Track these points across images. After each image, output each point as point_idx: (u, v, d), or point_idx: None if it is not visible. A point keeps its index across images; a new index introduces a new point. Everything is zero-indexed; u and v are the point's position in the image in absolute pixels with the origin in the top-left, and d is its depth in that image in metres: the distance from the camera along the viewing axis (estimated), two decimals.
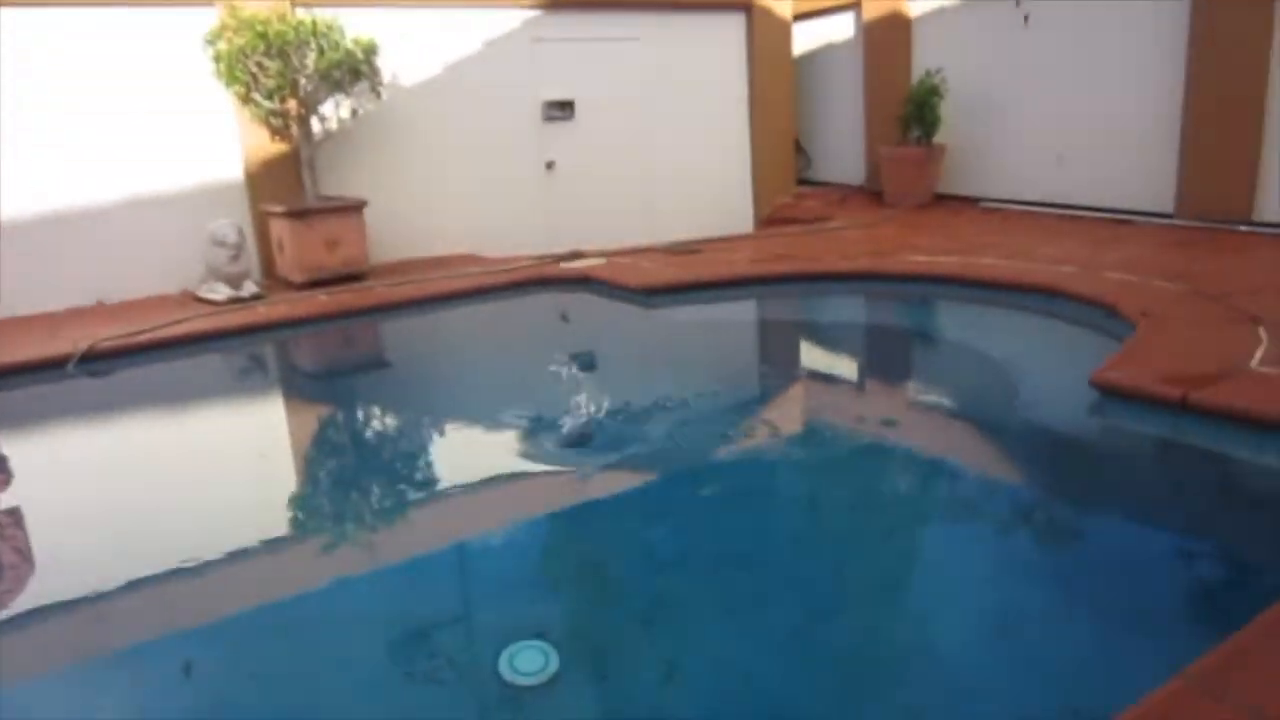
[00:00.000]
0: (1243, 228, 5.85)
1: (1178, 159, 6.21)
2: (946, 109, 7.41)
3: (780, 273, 5.39)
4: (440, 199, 6.63)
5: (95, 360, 4.35)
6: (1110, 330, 3.90)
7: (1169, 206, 6.31)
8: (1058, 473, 2.91)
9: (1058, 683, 1.87)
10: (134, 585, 2.39)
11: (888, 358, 4.42)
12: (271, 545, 2.64)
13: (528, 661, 1.99)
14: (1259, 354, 3.20)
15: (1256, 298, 4.02)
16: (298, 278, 5.62)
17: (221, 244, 5.33)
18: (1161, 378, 2.99)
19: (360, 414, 3.83)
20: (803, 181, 8.99)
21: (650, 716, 1.88)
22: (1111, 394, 3.05)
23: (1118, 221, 6.50)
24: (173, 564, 2.49)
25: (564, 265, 5.80)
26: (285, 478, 3.25)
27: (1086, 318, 4.16)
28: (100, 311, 5.35)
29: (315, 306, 5.13)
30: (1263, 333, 3.46)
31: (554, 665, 1.98)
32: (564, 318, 5.51)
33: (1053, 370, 3.84)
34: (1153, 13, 6.21)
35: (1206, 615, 2.10)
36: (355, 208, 5.81)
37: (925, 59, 7.66)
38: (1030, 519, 2.64)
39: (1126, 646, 1.98)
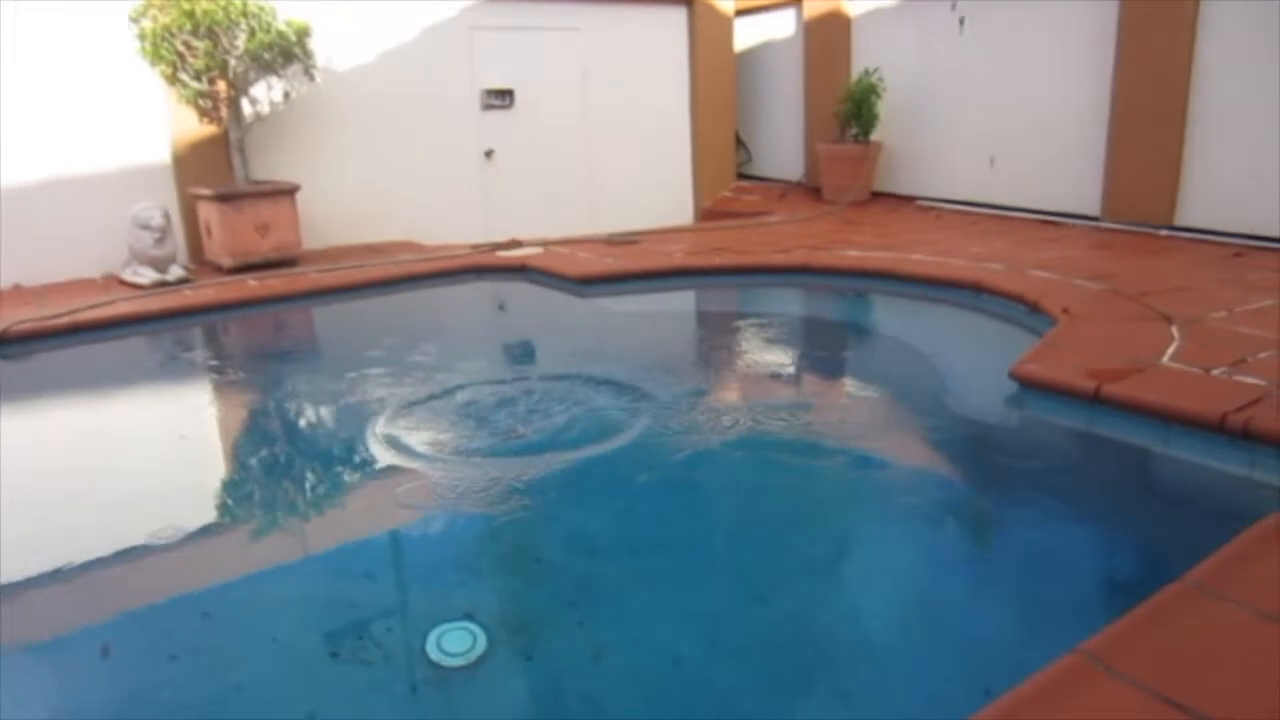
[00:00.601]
0: (1164, 232, 6.04)
1: (1104, 164, 6.37)
2: (884, 108, 7.52)
3: (716, 265, 5.42)
4: (376, 186, 6.54)
5: (11, 344, 4.21)
6: (1032, 326, 4.00)
7: (1095, 210, 6.48)
8: (974, 459, 2.98)
9: (967, 663, 1.91)
10: (48, 572, 2.32)
11: (817, 349, 4.47)
12: (192, 530, 2.58)
13: (455, 642, 1.98)
14: (1170, 350, 3.31)
15: (1172, 298, 4.15)
16: (227, 262, 5.49)
17: (146, 227, 5.19)
18: (1077, 371, 3.07)
19: (284, 400, 3.76)
20: (743, 176, 9.05)
21: (578, 697, 1.88)
22: (1030, 385, 3.12)
23: (1046, 223, 6.66)
24: (89, 550, 2.43)
25: (501, 254, 5.77)
26: (207, 462, 3.18)
27: (1010, 314, 4.26)
28: (17, 295, 5.17)
29: (243, 291, 5.03)
30: (1175, 331, 3.58)
31: (481, 646, 1.97)
32: (501, 307, 5.48)
33: (975, 362, 3.92)
34: (1084, 22, 6.37)
35: (1106, 597, 2.17)
36: (287, 192, 5.70)
37: (864, 58, 7.76)
38: (946, 505, 2.69)
39: (1034, 627, 2.03)
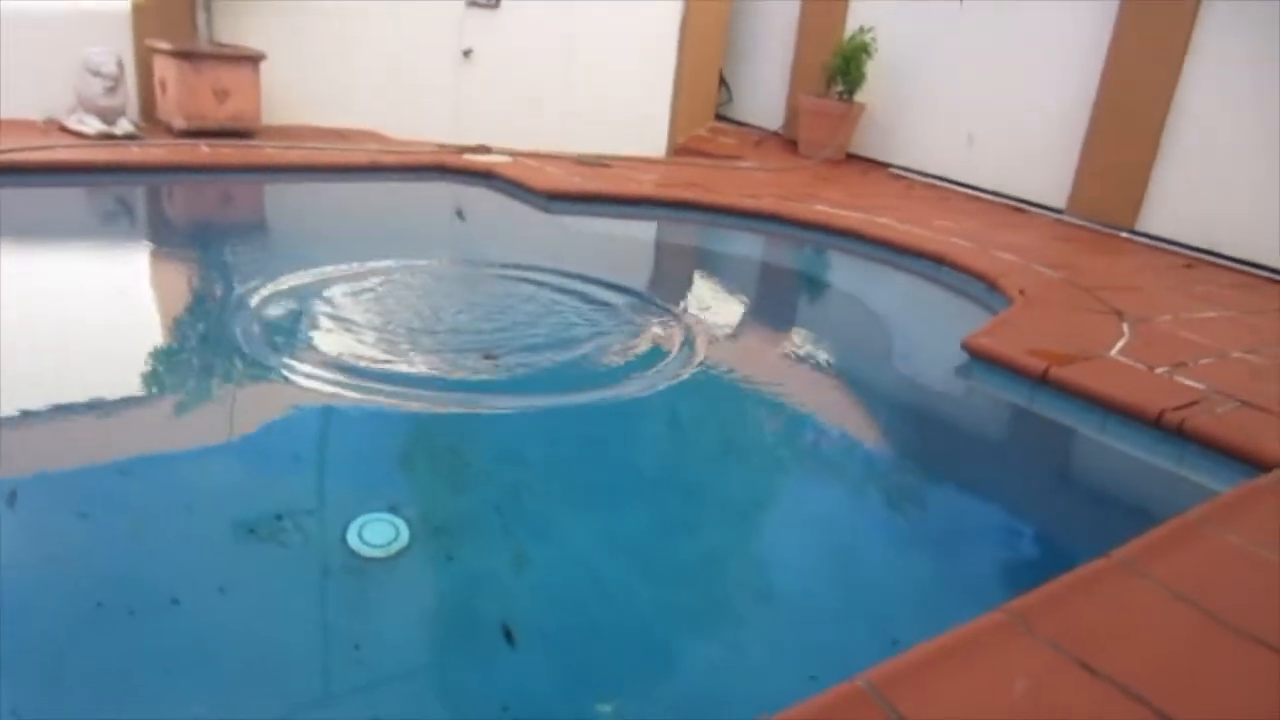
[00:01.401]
0: (1124, 234, 6.14)
1: (1077, 161, 6.44)
2: (873, 69, 7.45)
3: (686, 199, 5.35)
4: (347, 69, 6.29)
5: None
6: (988, 304, 4.04)
7: (1061, 203, 6.55)
8: (913, 420, 3.02)
9: (882, 617, 1.94)
10: None
11: (773, 296, 4.47)
12: (117, 392, 2.49)
13: (377, 534, 1.95)
14: (1119, 344, 3.37)
15: (1124, 296, 4.23)
16: (179, 124, 5.25)
17: (97, 73, 4.91)
18: (1028, 350, 3.10)
19: (228, 275, 3.63)
20: (721, 118, 8.93)
21: (495, 599, 1.87)
22: (980, 358, 3.15)
23: (1013, 208, 6.72)
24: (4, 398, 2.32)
25: (468, 157, 5.61)
26: (140, 326, 3.06)
27: (968, 289, 4.29)
28: None
29: (194, 156, 4.81)
30: (1125, 327, 3.64)
31: (403, 540, 1.94)
32: (459, 213, 5.35)
33: (928, 330, 3.96)
34: (1081, 21, 6.38)
35: (1021, 567, 2.22)
36: (251, 59, 5.44)
37: (860, 15, 7.64)
38: (878, 461, 2.72)
39: (950, 588, 2.08)
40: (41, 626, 1.60)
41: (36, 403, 2.34)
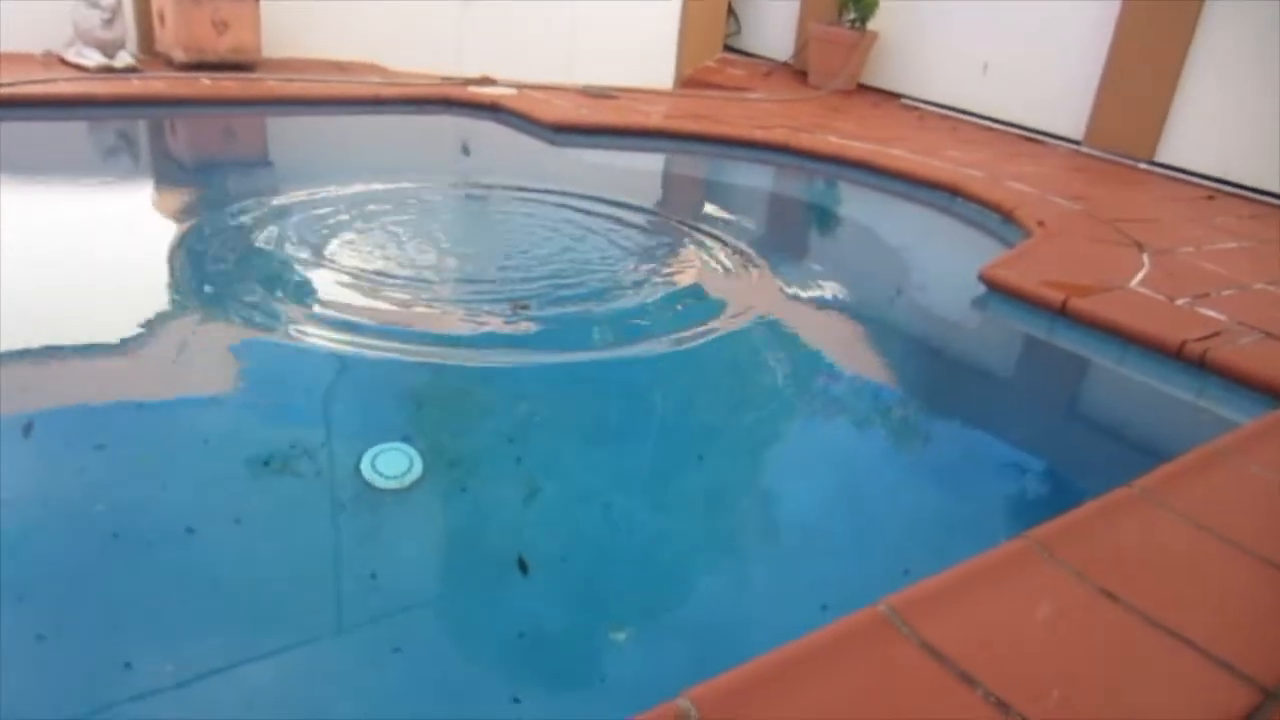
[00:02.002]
0: (1143, 165, 6.03)
1: (1096, 90, 6.28)
2: None
3: (695, 131, 5.25)
4: (347, 1, 6.14)
5: None
6: (1003, 236, 3.98)
7: (1078, 134, 6.42)
8: (929, 352, 2.99)
9: (897, 549, 1.93)
10: None
11: (786, 227, 4.40)
12: (130, 327, 2.46)
13: (390, 464, 1.94)
14: (1139, 276, 3.31)
15: (1144, 227, 4.15)
16: (179, 57, 5.14)
17: (95, 5, 4.79)
18: (1046, 282, 3.05)
19: (234, 209, 3.57)
20: (729, 49, 8.74)
21: (508, 529, 1.86)
22: (997, 289, 3.10)
23: (1027, 139, 6.59)
24: (16, 334, 2.29)
25: (473, 90, 5.50)
26: (150, 262, 3.02)
27: (983, 221, 4.22)
28: None
29: (195, 89, 4.72)
30: (1145, 258, 3.58)
31: (416, 471, 1.93)
32: (465, 149, 5.26)
33: (943, 261, 3.90)
34: None
35: (1048, 498, 2.21)
36: None
37: None
38: (894, 398, 2.69)
39: (967, 521, 2.06)
40: (60, 554, 1.60)
41: (47, 338, 2.32)
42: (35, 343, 2.29)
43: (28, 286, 2.61)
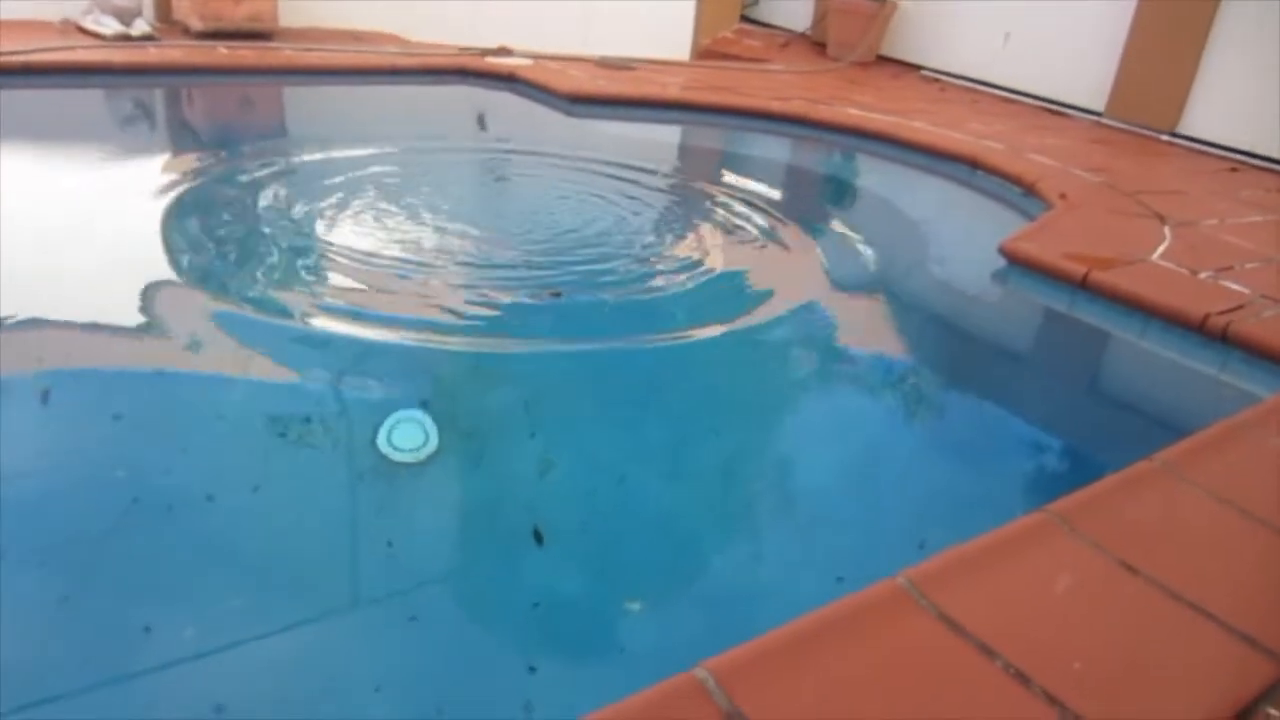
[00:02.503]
0: (1165, 137, 5.94)
1: (1119, 60, 6.18)
2: None
3: (713, 103, 5.21)
4: None
5: None
6: (1024, 209, 3.93)
7: (1100, 105, 6.33)
8: (950, 328, 2.96)
9: (913, 523, 1.92)
10: None
11: (803, 201, 4.36)
12: (150, 296, 2.47)
13: (406, 437, 1.94)
14: (1161, 249, 3.27)
15: (1166, 200, 4.10)
16: (196, 25, 5.12)
17: None
18: (1067, 254, 3.02)
19: (255, 180, 3.57)
20: (746, 19, 8.63)
21: (523, 502, 1.87)
22: (1018, 262, 3.07)
23: (1048, 111, 6.50)
24: (33, 300, 2.30)
25: (490, 60, 5.46)
26: (169, 231, 3.02)
27: (1004, 194, 4.17)
28: None
29: (212, 58, 4.71)
30: (1167, 231, 3.54)
31: (433, 443, 1.94)
32: (480, 120, 5.23)
33: (963, 234, 3.86)
34: None
35: (1067, 472, 2.19)
36: None
37: None
38: (913, 371, 2.67)
39: (986, 495, 2.05)
40: (80, 519, 1.62)
41: (62, 307, 2.33)
42: (50, 312, 2.31)
43: (43, 255, 2.62)
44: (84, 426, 1.92)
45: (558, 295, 2.49)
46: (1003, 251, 3.11)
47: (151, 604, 1.45)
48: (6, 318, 2.20)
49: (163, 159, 3.82)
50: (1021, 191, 4.09)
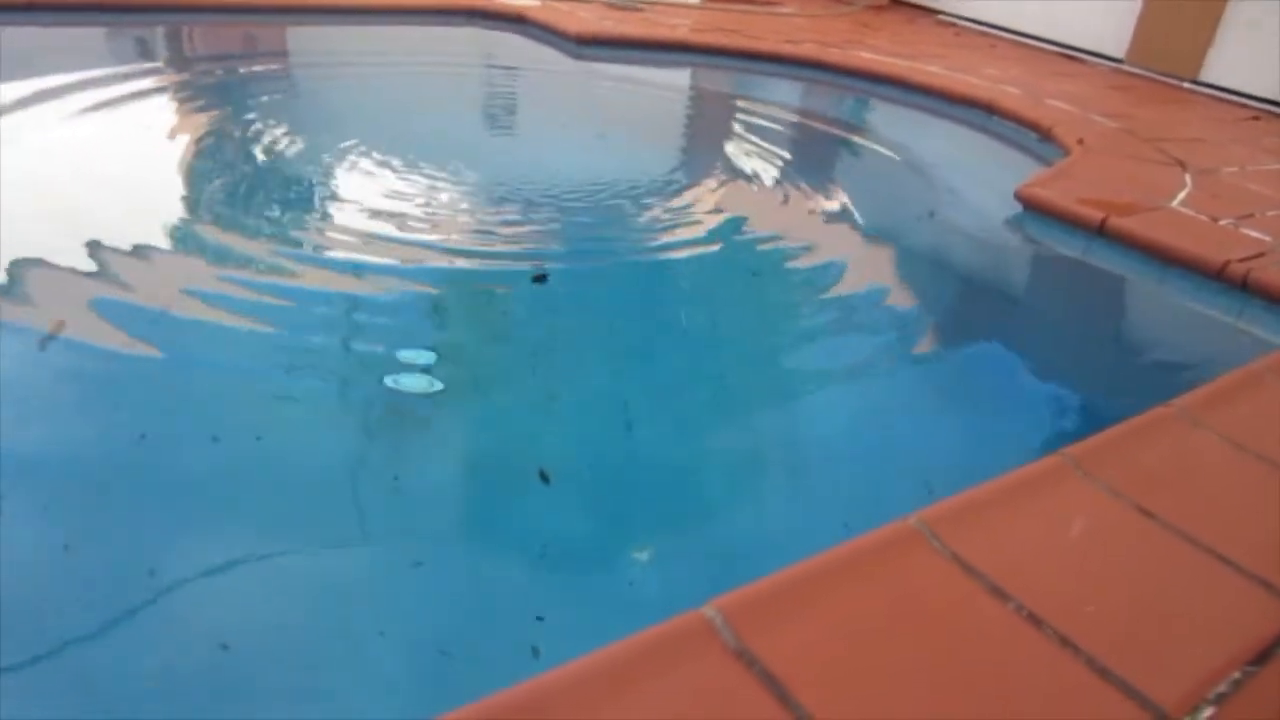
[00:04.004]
0: (1187, 84, 5.82)
1: (1140, 6, 6.03)
2: None
3: (723, 45, 5.10)
4: None
5: None
6: (1040, 155, 3.86)
7: (1120, 51, 6.19)
8: (963, 275, 2.92)
9: (923, 470, 1.90)
10: None
11: (815, 147, 4.28)
12: (158, 233, 2.44)
13: (412, 376, 1.93)
14: (1181, 195, 3.21)
15: (1187, 147, 4.01)
16: None
17: None
18: (1085, 200, 2.96)
19: (257, 120, 3.51)
20: None
21: (528, 435, 1.85)
22: (1034, 208, 3.02)
23: (1066, 56, 6.37)
24: (37, 242, 2.28)
25: (498, 0, 5.35)
26: (181, 170, 2.98)
27: (1020, 139, 4.10)
28: None
29: None
30: (1188, 178, 3.47)
31: (438, 384, 1.92)
32: (494, 63, 5.13)
33: (978, 180, 3.79)
34: None
35: (1081, 420, 2.16)
36: None
37: None
38: (925, 318, 2.63)
39: (997, 442, 2.02)
40: (87, 456, 1.61)
41: (65, 247, 2.30)
42: (54, 252, 2.28)
43: (49, 196, 2.59)
44: (87, 366, 1.90)
45: (543, 278, 2.41)
46: (1019, 197, 3.05)
47: (158, 542, 1.44)
48: (15, 257, 2.18)
49: (162, 99, 3.75)
50: (1038, 137, 4.02)
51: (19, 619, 1.26)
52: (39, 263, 2.21)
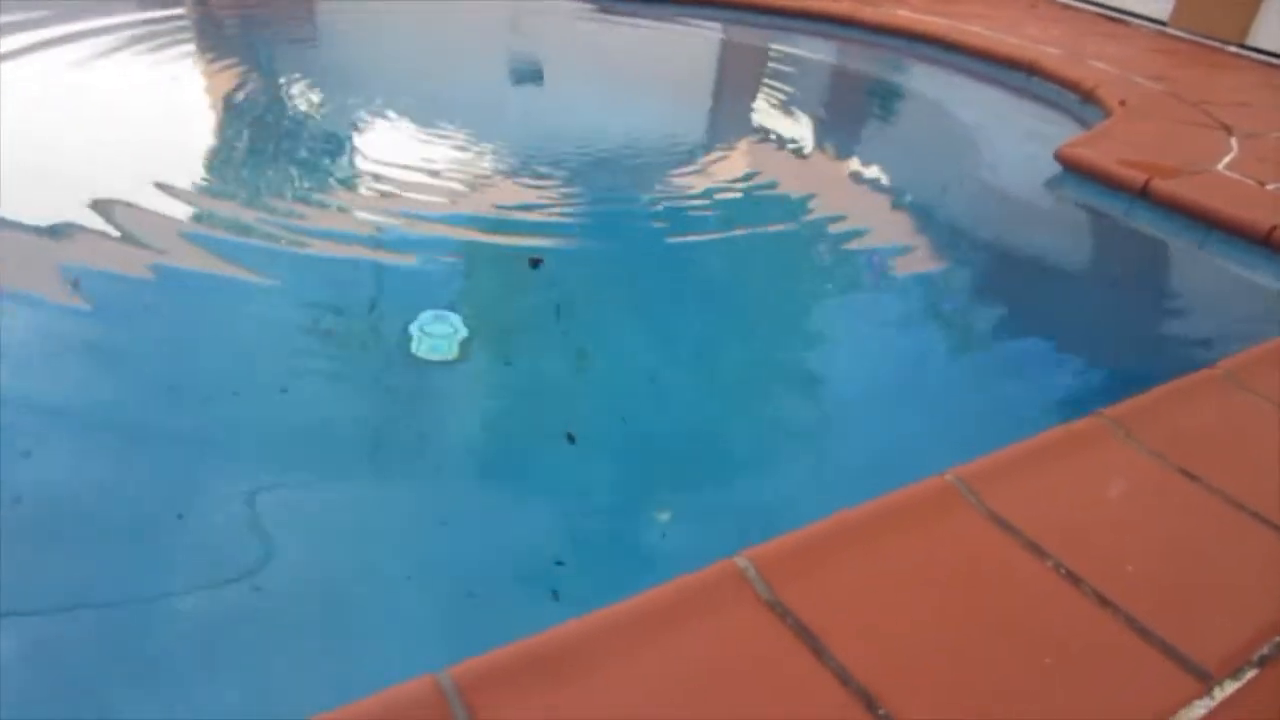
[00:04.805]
0: (1232, 48, 5.65)
1: None
2: None
3: (754, 1, 5.00)
4: None
5: None
6: (1082, 117, 3.77)
7: (1164, 14, 6.01)
8: (1002, 236, 2.86)
9: (958, 434, 1.87)
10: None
11: (850, 106, 4.21)
12: (189, 189, 2.43)
13: (437, 335, 1.92)
14: (1227, 159, 3.12)
15: (1233, 111, 3.90)
16: None
17: None
18: (1128, 162, 2.89)
19: (288, 81, 3.49)
20: None
21: (554, 398, 1.84)
22: (1075, 169, 2.95)
23: (1108, 18, 6.20)
24: (64, 190, 2.28)
25: None
26: (207, 126, 2.97)
27: (1061, 101, 4.00)
28: None
29: None
30: (1234, 142, 3.37)
31: (462, 337, 1.91)
32: (514, 26, 5.07)
33: (1018, 141, 3.71)
34: None
35: (1118, 384, 2.12)
36: None
37: None
38: (963, 280, 2.59)
39: (1033, 405, 1.99)
40: (117, 404, 1.61)
41: (87, 199, 2.31)
42: (75, 203, 2.28)
43: (72, 149, 2.59)
44: (118, 318, 1.90)
45: (538, 262, 2.33)
46: (1059, 158, 2.98)
47: (187, 487, 1.45)
48: (43, 213, 2.19)
49: (185, 50, 3.74)
50: (1079, 99, 3.92)
51: (52, 562, 1.27)
52: (65, 211, 2.22)
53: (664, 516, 1.58)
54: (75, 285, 1.92)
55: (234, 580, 1.28)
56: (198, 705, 1.10)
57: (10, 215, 2.16)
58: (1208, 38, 5.76)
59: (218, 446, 1.57)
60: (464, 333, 1.94)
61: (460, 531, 1.44)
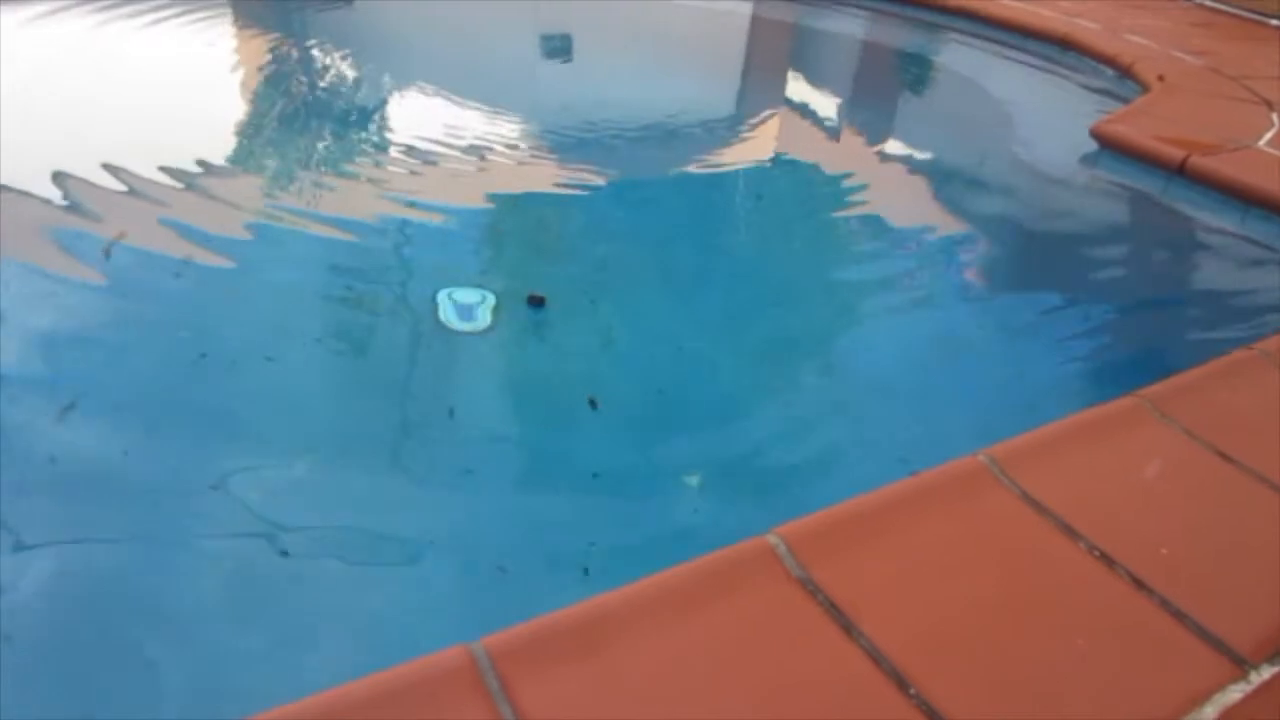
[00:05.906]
0: (1274, 21, 5.52)
1: None
2: None
3: None
4: None
5: None
6: (1118, 93, 3.70)
7: None
8: (1036, 213, 2.82)
9: (985, 411, 1.85)
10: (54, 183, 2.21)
11: (881, 81, 4.15)
12: (217, 160, 2.45)
13: (465, 301, 1.92)
14: (1269, 135, 3.05)
15: (1276, 85, 3.82)
16: None
17: None
18: (1165, 138, 2.83)
19: (317, 48, 3.49)
20: None
21: (582, 373, 1.84)
22: (1111, 146, 2.90)
23: None
24: (98, 157, 2.30)
25: None
26: (236, 96, 2.98)
27: (1096, 76, 3.93)
28: None
29: None
30: (1275, 117, 3.30)
31: (491, 306, 1.92)
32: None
33: (1052, 117, 3.65)
34: None
35: (1150, 363, 2.09)
36: None
37: None
38: (993, 257, 2.56)
39: (1066, 385, 1.97)
40: (148, 371, 1.63)
41: (119, 167, 2.32)
42: (108, 171, 2.30)
43: (101, 118, 2.60)
44: (147, 285, 1.92)
45: (540, 301, 2.24)
46: (1095, 134, 2.93)
47: (220, 453, 1.46)
48: (75, 176, 2.20)
49: (220, 20, 3.75)
50: (1116, 74, 3.85)
51: (84, 527, 1.29)
52: (98, 177, 2.23)
53: (693, 481, 1.58)
54: (107, 254, 1.94)
55: (260, 543, 1.30)
56: (219, 644, 1.12)
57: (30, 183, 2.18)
58: (1249, 10, 5.63)
59: (244, 411, 1.58)
60: (491, 298, 1.95)
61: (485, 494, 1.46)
